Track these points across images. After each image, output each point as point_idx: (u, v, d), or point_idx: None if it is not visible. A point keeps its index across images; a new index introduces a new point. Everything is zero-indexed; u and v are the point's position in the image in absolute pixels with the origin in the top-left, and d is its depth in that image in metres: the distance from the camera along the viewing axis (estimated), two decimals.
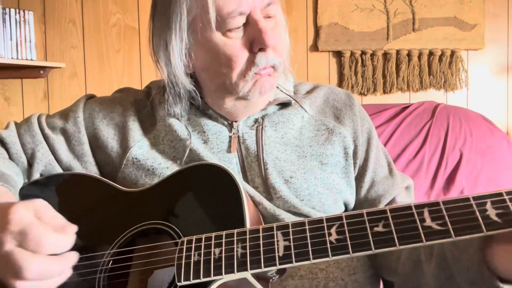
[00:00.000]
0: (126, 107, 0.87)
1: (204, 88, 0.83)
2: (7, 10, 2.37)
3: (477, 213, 0.54)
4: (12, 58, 2.38)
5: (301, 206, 0.77)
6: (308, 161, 0.82)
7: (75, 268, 0.62)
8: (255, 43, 0.74)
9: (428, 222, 0.55)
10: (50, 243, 0.57)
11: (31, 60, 2.46)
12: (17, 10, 2.41)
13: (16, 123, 0.89)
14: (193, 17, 0.74)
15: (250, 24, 0.74)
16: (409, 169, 1.97)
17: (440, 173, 1.88)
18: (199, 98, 0.81)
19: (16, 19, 2.40)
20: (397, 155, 2.01)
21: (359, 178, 0.87)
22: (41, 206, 0.60)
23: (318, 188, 0.80)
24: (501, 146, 1.98)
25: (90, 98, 0.92)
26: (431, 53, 2.53)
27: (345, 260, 0.77)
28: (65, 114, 0.88)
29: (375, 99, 2.57)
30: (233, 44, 0.75)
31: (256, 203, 0.77)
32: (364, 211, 0.59)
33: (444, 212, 0.55)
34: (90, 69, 2.57)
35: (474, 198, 0.55)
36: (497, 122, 2.33)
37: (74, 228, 0.61)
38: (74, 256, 0.60)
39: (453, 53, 2.51)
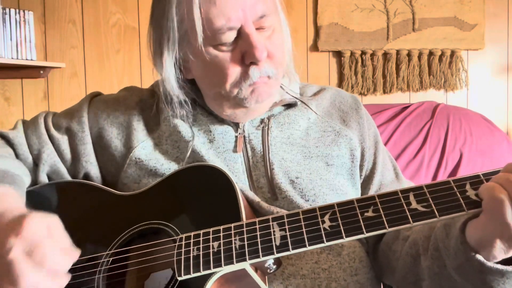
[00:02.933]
0: (131, 106, 0.88)
1: (204, 95, 0.84)
2: (7, 10, 2.37)
3: (458, 194, 0.58)
4: (12, 58, 2.38)
5: (305, 207, 0.77)
6: (314, 162, 0.83)
7: (74, 270, 0.64)
8: (246, 56, 0.74)
9: (414, 205, 0.60)
10: (53, 261, 0.59)
11: (31, 60, 2.46)
12: (17, 10, 2.41)
13: (24, 122, 0.89)
14: (185, 30, 0.75)
15: (242, 37, 0.74)
16: (409, 169, 1.97)
17: (440, 173, 1.88)
18: (190, 109, 0.82)
19: (16, 19, 2.40)
20: (397, 155, 2.01)
21: (367, 181, 0.87)
22: (54, 223, 0.62)
23: (323, 189, 0.80)
24: (501, 146, 1.98)
25: (95, 96, 0.92)
26: (431, 53, 2.53)
27: (347, 261, 0.77)
28: (70, 113, 0.89)
29: (375, 99, 2.57)
30: (224, 57, 0.75)
31: (255, 205, 0.78)
32: (354, 198, 0.63)
33: (428, 195, 0.60)
34: (90, 69, 2.57)
35: (454, 181, 0.60)
36: (497, 122, 2.33)
37: (78, 253, 0.63)
38: (68, 278, 0.62)
39: (453, 53, 2.51)
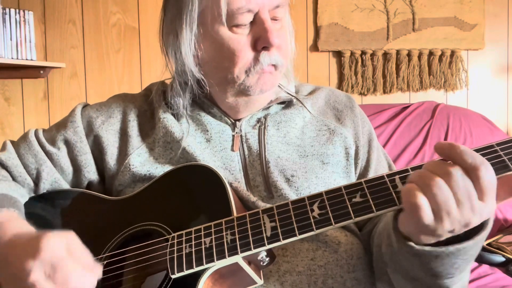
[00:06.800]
0: (125, 113, 0.88)
1: (207, 82, 0.83)
2: (7, 10, 2.37)
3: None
4: (12, 58, 2.38)
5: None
6: (310, 160, 0.83)
7: None
8: (259, 41, 0.76)
9: (401, 187, 0.60)
10: (76, 281, 0.57)
11: (31, 60, 2.46)
12: (17, 10, 2.41)
13: (12, 142, 0.87)
14: (203, 8, 0.76)
15: (257, 22, 0.76)
16: None
17: None
18: (207, 88, 0.82)
19: (16, 19, 2.40)
20: (397, 155, 2.01)
21: (361, 179, 0.87)
22: (73, 240, 0.60)
23: (319, 187, 0.81)
24: None
25: (85, 106, 0.91)
26: (431, 53, 2.53)
27: (345, 257, 0.77)
28: (63, 125, 0.87)
29: (375, 99, 2.56)
30: (238, 40, 0.76)
31: (251, 204, 0.78)
32: (342, 185, 0.63)
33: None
34: (90, 69, 2.57)
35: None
36: (497, 122, 2.33)
37: (100, 268, 0.61)
38: None
39: (453, 53, 2.51)
